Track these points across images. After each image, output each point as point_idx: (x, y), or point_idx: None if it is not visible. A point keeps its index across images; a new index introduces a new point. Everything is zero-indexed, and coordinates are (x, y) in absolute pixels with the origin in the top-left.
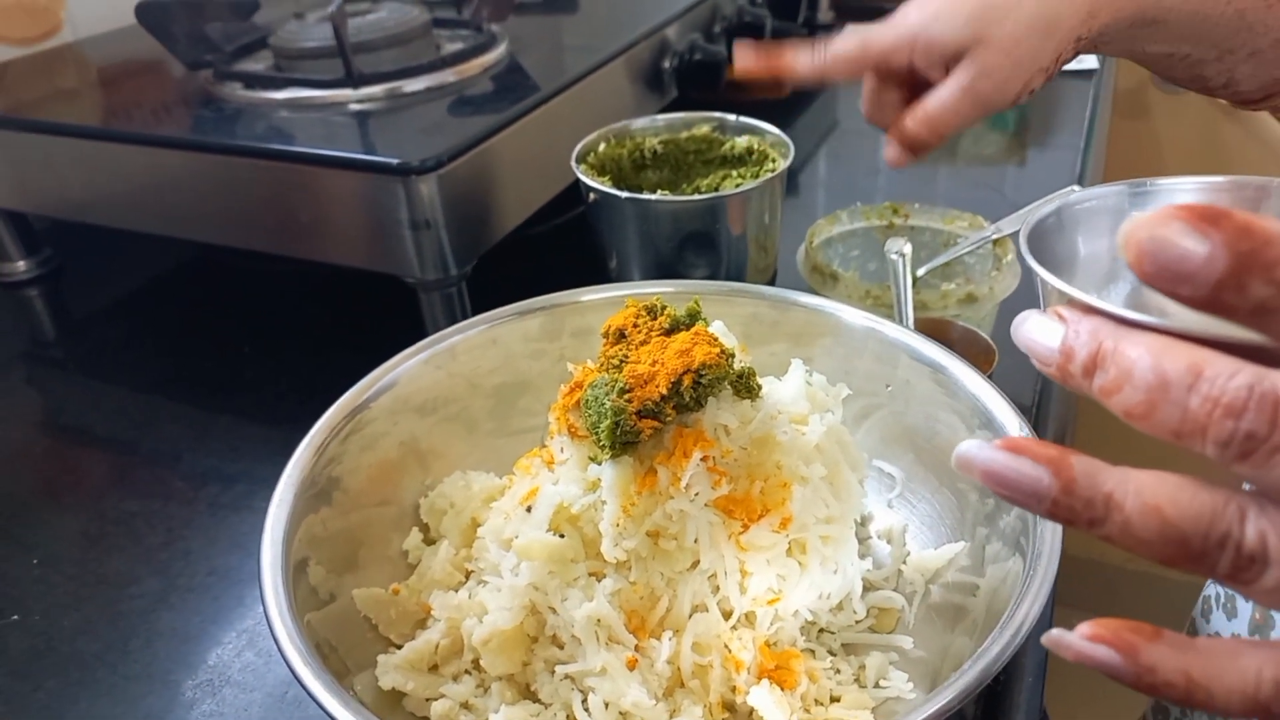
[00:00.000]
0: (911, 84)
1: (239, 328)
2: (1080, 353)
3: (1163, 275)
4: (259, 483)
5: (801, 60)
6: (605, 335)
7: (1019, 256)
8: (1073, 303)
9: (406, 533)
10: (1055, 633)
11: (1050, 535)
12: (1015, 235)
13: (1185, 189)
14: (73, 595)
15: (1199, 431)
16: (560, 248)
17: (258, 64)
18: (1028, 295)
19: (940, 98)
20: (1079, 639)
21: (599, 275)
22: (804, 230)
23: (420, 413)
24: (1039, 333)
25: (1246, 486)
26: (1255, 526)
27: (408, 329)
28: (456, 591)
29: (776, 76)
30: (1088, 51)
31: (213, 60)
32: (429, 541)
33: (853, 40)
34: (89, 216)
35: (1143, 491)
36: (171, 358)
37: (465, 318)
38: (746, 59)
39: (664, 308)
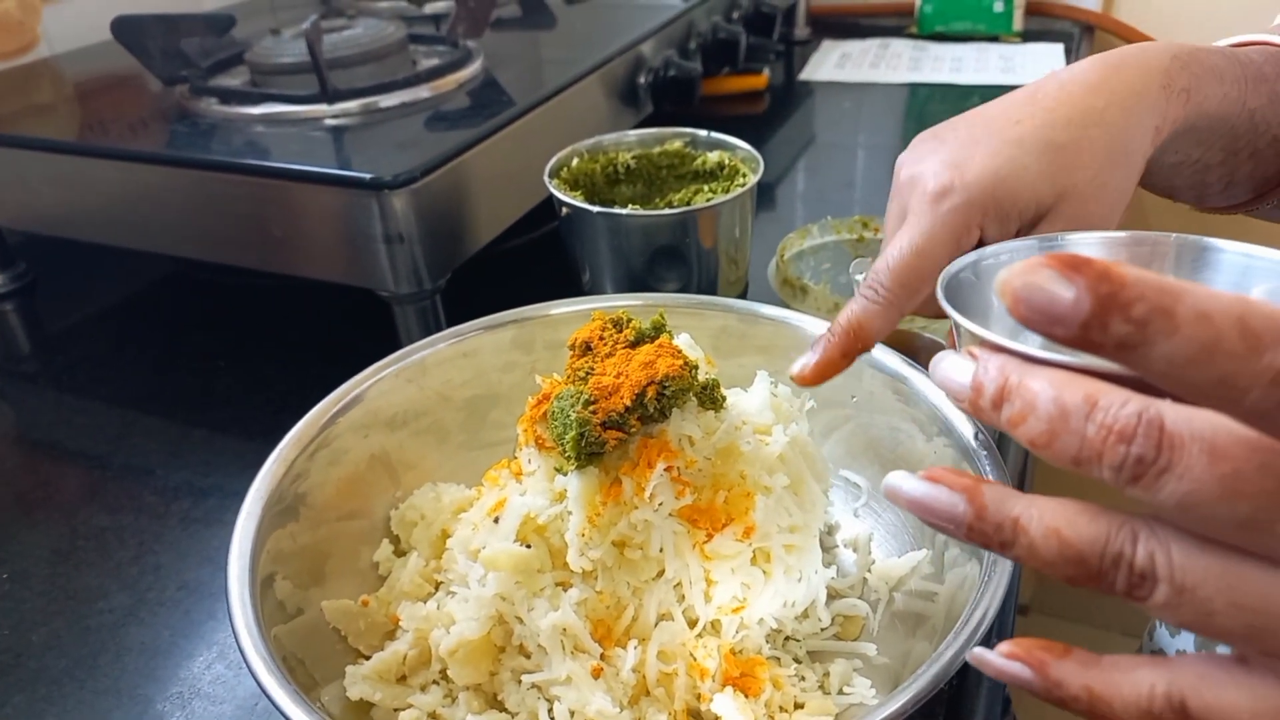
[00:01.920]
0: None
1: (214, 342)
2: (989, 387)
3: (1036, 317)
4: (231, 497)
5: (876, 324)
6: (571, 348)
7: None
8: (983, 343)
9: (377, 545)
10: (978, 651)
11: None
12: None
13: (1090, 243)
14: (41, 611)
15: (1095, 457)
16: (534, 262)
17: (234, 79)
18: None
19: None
20: (997, 656)
21: (572, 289)
22: (778, 243)
23: (391, 426)
24: (952, 370)
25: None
26: (1145, 547)
27: (383, 342)
28: (425, 603)
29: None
30: None
31: (188, 76)
32: (400, 554)
33: (904, 255)
34: (64, 231)
35: (1044, 516)
36: (146, 373)
37: (439, 330)
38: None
39: (629, 320)
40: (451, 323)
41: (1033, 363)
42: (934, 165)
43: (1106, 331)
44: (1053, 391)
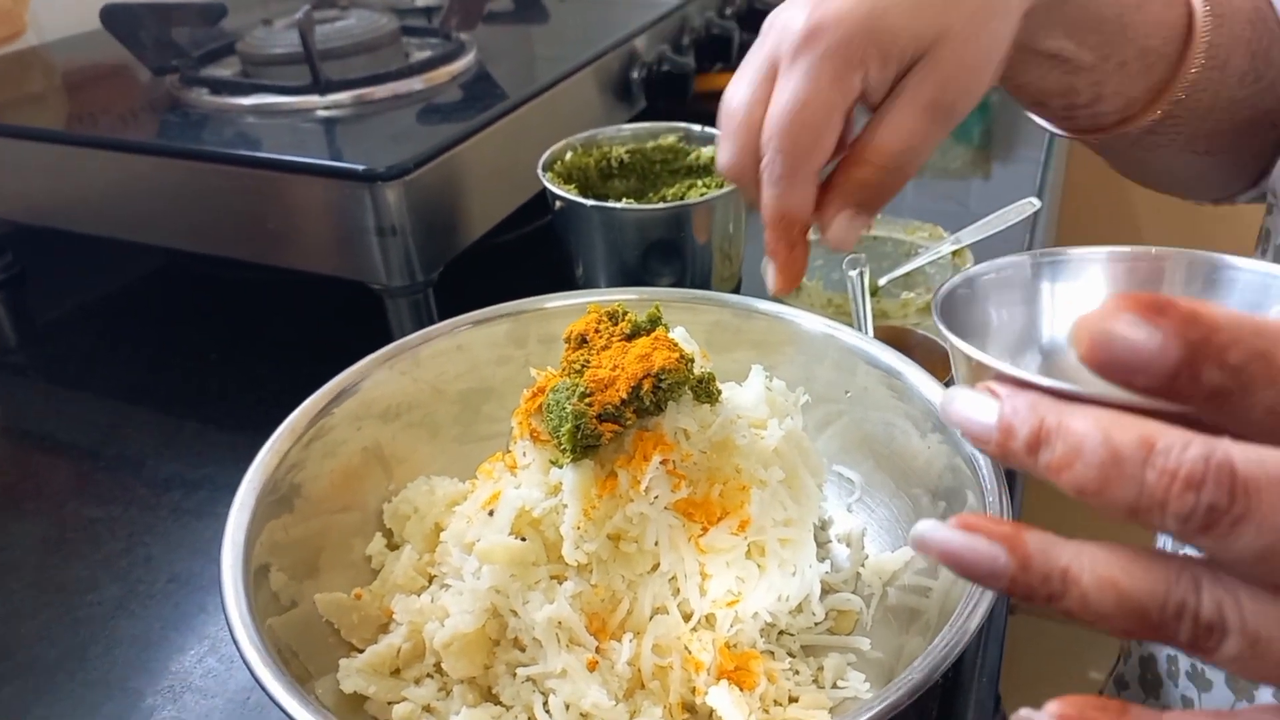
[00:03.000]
0: None
1: (205, 335)
2: (1021, 429)
3: (1116, 367)
4: (223, 488)
5: (794, 201)
6: (567, 341)
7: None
8: (1001, 377)
9: (369, 538)
10: (1025, 713)
11: None
12: (953, 285)
13: (1093, 259)
14: (31, 602)
15: (1157, 506)
16: (527, 256)
17: (225, 70)
18: None
19: (897, 122)
20: (1046, 717)
21: (566, 283)
22: None
23: (384, 419)
24: (971, 409)
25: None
26: (1211, 595)
27: (375, 336)
28: (419, 596)
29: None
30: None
31: (179, 65)
32: (392, 547)
33: (786, 112)
34: (53, 221)
35: (1097, 565)
36: (137, 365)
37: (432, 324)
38: (782, 281)
39: (625, 313)
40: (444, 316)
41: (1066, 399)
42: (800, 8)
43: (1198, 382)
44: (1100, 434)
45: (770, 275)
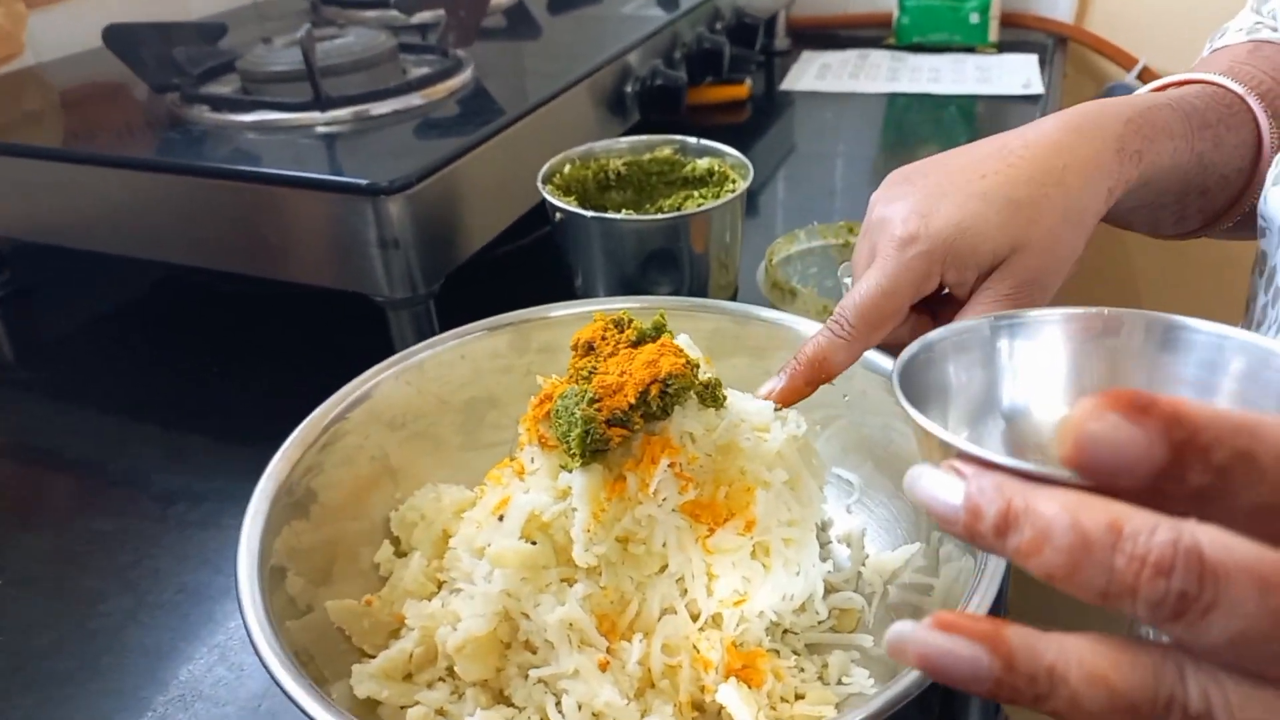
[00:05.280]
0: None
1: (208, 349)
2: (988, 511)
3: (1102, 471)
4: (228, 500)
5: (839, 358)
6: (574, 348)
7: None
8: (965, 456)
9: (377, 546)
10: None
11: None
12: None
13: (1052, 319)
14: (43, 614)
15: (1127, 592)
16: (527, 267)
17: (225, 87)
18: None
19: (973, 312)
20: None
21: (565, 293)
22: (764, 249)
23: (390, 427)
24: (937, 489)
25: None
26: (1196, 685)
27: (377, 347)
28: (429, 601)
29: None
30: None
31: (180, 83)
32: (400, 554)
33: (868, 296)
34: (54, 239)
35: (1085, 660)
36: (141, 379)
37: (434, 335)
38: (780, 397)
39: (631, 321)
40: (445, 327)
41: (1032, 480)
42: (902, 211)
43: (1183, 483)
44: (1068, 517)
45: (771, 388)
